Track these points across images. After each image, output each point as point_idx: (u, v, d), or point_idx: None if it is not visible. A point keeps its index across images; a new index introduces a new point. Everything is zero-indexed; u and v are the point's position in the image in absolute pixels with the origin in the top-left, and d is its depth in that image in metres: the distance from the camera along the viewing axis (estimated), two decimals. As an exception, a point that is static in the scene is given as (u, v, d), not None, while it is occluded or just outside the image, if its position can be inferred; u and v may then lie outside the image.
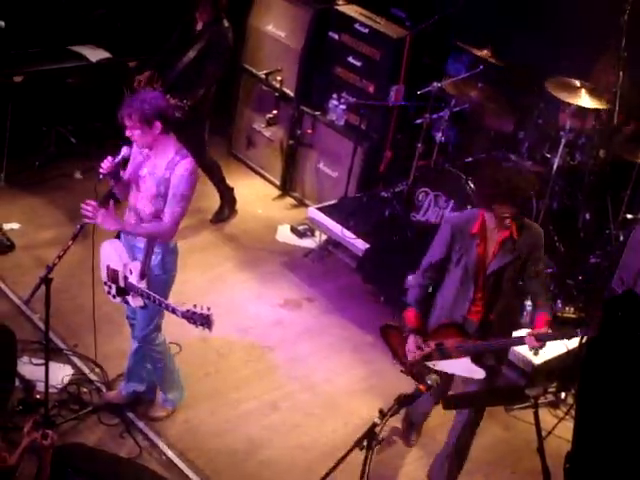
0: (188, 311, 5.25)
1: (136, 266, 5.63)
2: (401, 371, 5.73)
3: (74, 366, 6.56)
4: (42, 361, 5.81)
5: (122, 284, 5.70)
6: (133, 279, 5.64)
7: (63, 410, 6.15)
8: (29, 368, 6.32)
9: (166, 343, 6.11)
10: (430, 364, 5.50)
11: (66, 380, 6.39)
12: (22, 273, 7.13)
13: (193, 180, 5.56)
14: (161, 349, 6.05)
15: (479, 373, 5.37)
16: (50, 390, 5.92)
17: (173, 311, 5.38)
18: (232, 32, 7.81)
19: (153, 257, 5.64)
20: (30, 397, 6.09)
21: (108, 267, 5.79)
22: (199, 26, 7.79)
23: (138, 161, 5.66)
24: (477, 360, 5.39)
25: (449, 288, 5.48)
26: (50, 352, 5.91)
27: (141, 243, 5.63)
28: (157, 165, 5.55)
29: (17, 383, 6.13)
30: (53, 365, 6.16)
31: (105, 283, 5.85)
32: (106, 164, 5.51)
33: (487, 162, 5.73)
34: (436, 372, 5.27)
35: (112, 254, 5.77)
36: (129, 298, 5.73)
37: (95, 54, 8.78)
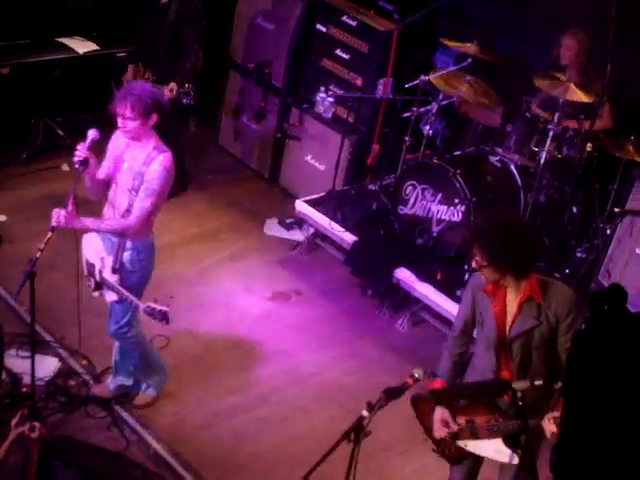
0: (148, 307, 5.39)
1: (109, 260, 5.65)
2: (433, 450, 5.10)
3: (61, 359, 6.56)
4: (29, 354, 5.79)
5: (97, 278, 5.72)
6: (106, 273, 5.65)
7: (50, 403, 6.15)
8: (16, 361, 6.31)
9: (141, 333, 6.07)
10: (461, 444, 4.91)
11: (53, 373, 6.39)
12: (9, 266, 7.10)
13: (167, 177, 5.53)
14: (135, 340, 6.03)
15: (510, 457, 4.71)
16: (37, 383, 5.89)
17: (136, 307, 5.50)
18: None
19: (127, 253, 5.64)
20: (17, 390, 6.08)
21: (87, 261, 5.80)
22: None
23: (118, 155, 5.64)
24: (510, 441, 4.72)
25: (478, 355, 4.96)
26: (37, 345, 5.90)
27: (115, 237, 5.64)
28: (136, 159, 5.53)
29: (4, 376, 6.12)
30: (40, 358, 6.16)
31: (86, 276, 5.86)
32: (80, 152, 5.43)
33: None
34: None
35: (89, 248, 5.79)
36: (103, 292, 5.75)
37: (82, 46, 8.77)
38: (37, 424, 4.70)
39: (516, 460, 4.71)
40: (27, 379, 5.93)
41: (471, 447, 4.88)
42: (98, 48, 8.82)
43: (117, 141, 5.68)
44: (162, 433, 6.12)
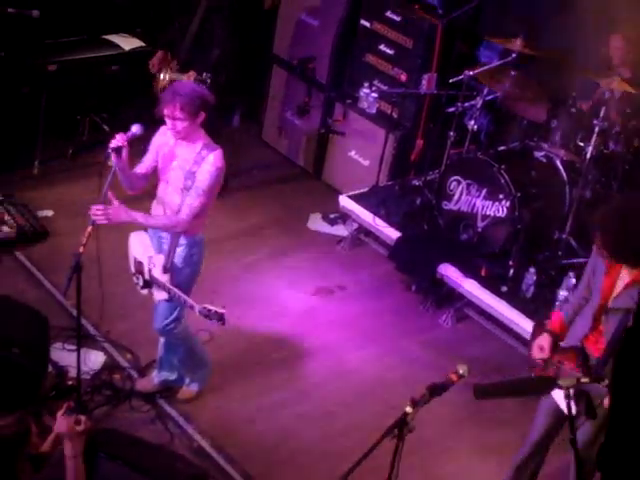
0: (204, 308, 5.39)
1: (160, 259, 5.66)
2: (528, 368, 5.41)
3: (106, 352, 6.61)
4: (75, 347, 5.84)
5: (147, 277, 5.74)
6: (156, 272, 5.67)
7: (95, 396, 6.20)
8: (62, 354, 6.37)
9: (187, 329, 6.10)
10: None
11: (98, 366, 6.44)
12: (55, 260, 7.18)
13: (219, 176, 5.56)
14: (181, 336, 6.06)
15: (568, 410, 4.62)
16: (82, 376, 5.97)
17: (191, 307, 5.49)
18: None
19: (179, 249, 5.66)
20: (63, 383, 6.14)
21: (135, 259, 5.82)
22: None
23: (167, 153, 5.65)
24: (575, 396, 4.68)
25: (580, 316, 5.16)
26: (82, 338, 5.95)
27: (166, 235, 5.66)
28: (186, 158, 5.54)
29: (50, 369, 6.18)
30: (85, 351, 6.21)
31: (133, 274, 5.88)
32: (117, 140, 5.42)
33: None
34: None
35: (137, 246, 5.81)
36: (153, 291, 5.77)
37: (128, 42, 8.82)
38: (83, 417, 4.74)
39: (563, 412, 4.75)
40: (73, 372, 5.98)
41: None
42: (143, 44, 8.87)
43: (163, 138, 5.69)
44: (205, 427, 6.15)
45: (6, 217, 7.64)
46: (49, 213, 7.95)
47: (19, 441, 4.30)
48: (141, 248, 5.77)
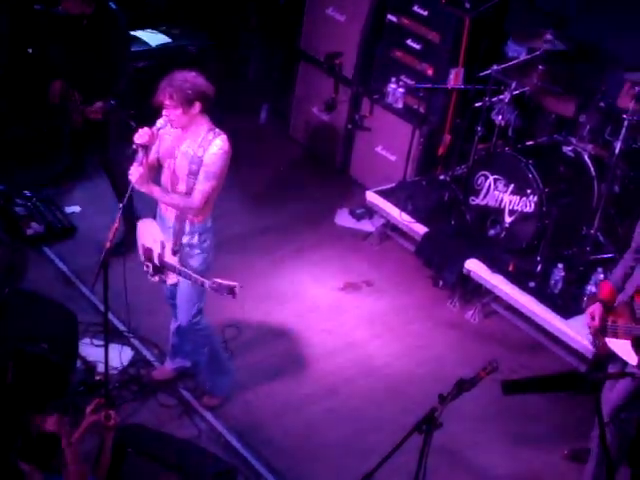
0: (214, 282, 5.45)
1: (168, 243, 5.70)
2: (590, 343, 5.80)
3: (134, 347, 6.64)
4: (103, 342, 5.87)
5: (156, 262, 5.77)
6: (166, 256, 5.70)
7: (123, 391, 6.24)
8: (90, 349, 6.41)
9: (211, 328, 6.14)
10: (607, 340, 5.44)
11: (126, 361, 6.47)
12: (83, 256, 7.21)
13: (226, 159, 5.57)
14: (205, 333, 6.09)
15: (633, 360, 5.28)
16: (110, 371, 5.99)
17: (202, 284, 5.54)
18: (119, 13, 7.28)
19: (187, 237, 5.70)
20: (91, 378, 6.17)
21: (143, 246, 5.86)
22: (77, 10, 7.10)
23: (170, 141, 5.67)
24: (637, 346, 5.30)
25: (636, 270, 5.46)
26: (110, 334, 5.99)
27: (172, 222, 5.70)
28: (191, 144, 5.56)
29: (78, 364, 6.21)
30: (113, 346, 6.24)
31: (143, 262, 5.91)
32: (144, 135, 5.46)
33: None
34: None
35: (146, 233, 5.85)
36: (163, 276, 5.81)
37: (154, 39, 8.84)
38: (112, 412, 4.77)
39: (633, 362, 5.23)
40: (101, 367, 6.01)
41: (612, 344, 5.36)
42: (170, 41, 8.89)
43: (165, 128, 5.69)
44: (233, 422, 6.17)
45: (35, 213, 7.70)
46: (77, 209, 7.99)
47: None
48: (150, 235, 5.81)
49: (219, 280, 5.44)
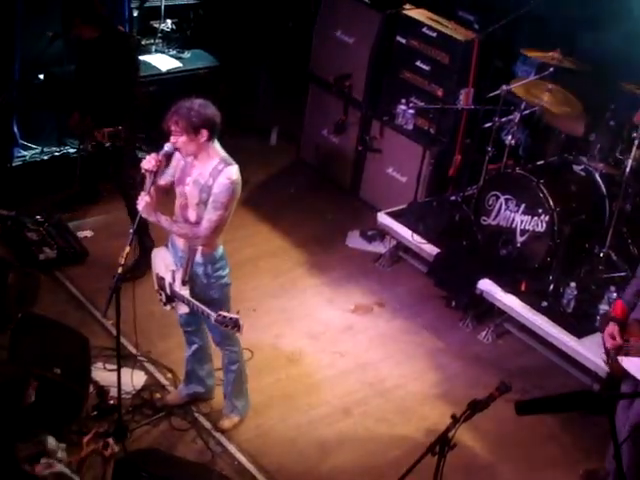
0: (219, 315, 5.44)
1: (179, 273, 5.70)
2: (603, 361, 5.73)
3: (147, 372, 6.63)
4: (115, 367, 5.87)
5: (168, 291, 5.78)
6: (176, 286, 5.71)
7: (136, 415, 6.23)
8: (103, 374, 6.40)
9: (241, 347, 6.14)
10: (620, 359, 5.43)
11: (139, 386, 6.46)
12: (95, 281, 7.22)
13: (235, 189, 5.55)
14: (238, 349, 6.10)
15: None
16: (123, 396, 5.99)
17: (208, 317, 5.53)
18: (127, 37, 7.44)
19: (200, 268, 5.69)
20: (104, 402, 6.17)
21: (157, 275, 5.88)
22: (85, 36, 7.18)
23: (182, 168, 5.68)
24: None
25: None
26: (123, 358, 5.99)
27: (183, 250, 5.70)
28: (202, 173, 5.56)
29: (91, 389, 6.21)
30: (126, 371, 6.24)
31: (157, 291, 5.93)
32: (150, 161, 5.50)
33: None
34: None
35: (159, 262, 5.87)
36: (175, 305, 5.82)
37: (165, 63, 8.88)
38: (110, 441, 4.74)
39: None
40: (114, 392, 6.01)
41: (624, 362, 5.35)
42: (180, 65, 8.93)
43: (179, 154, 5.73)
44: (246, 445, 6.15)
45: (47, 238, 7.72)
46: (89, 234, 8.01)
47: None
48: (162, 264, 5.82)
49: (224, 313, 5.44)
